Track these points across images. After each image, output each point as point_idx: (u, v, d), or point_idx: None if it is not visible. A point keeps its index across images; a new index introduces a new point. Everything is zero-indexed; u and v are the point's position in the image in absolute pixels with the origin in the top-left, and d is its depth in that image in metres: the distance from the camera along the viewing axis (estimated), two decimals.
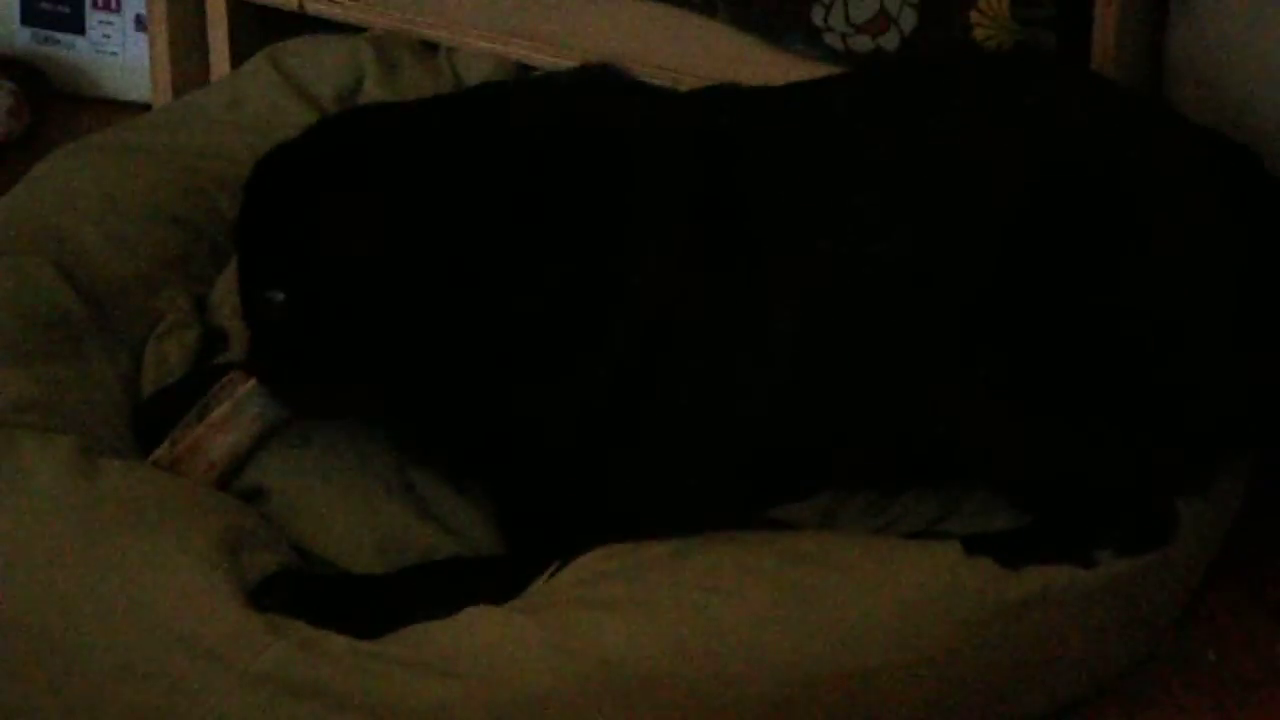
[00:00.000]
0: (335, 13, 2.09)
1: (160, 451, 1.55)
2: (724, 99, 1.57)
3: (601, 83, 1.57)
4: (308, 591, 1.46)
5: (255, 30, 2.14)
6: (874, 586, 1.45)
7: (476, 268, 1.45)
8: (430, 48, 2.04)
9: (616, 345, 1.45)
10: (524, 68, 2.02)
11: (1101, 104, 1.57)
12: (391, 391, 1.49)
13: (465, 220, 1.46)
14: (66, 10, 2.35)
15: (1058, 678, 1.50)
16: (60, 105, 2.33)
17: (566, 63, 1.97)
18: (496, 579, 1.48)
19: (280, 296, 1.48)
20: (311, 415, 1.56)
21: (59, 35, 2.36)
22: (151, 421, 1.60)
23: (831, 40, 1.93)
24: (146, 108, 2.25)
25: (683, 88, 1.74)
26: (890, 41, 1.91)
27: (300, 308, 1.48)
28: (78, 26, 2.36)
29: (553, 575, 1.47)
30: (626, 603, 1.42)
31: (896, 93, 1.57)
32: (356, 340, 1.47)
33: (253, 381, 1.55)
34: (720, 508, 1.50)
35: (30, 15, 2.37)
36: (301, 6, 2.10)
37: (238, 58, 2.12)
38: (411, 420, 1.51)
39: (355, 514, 1.53)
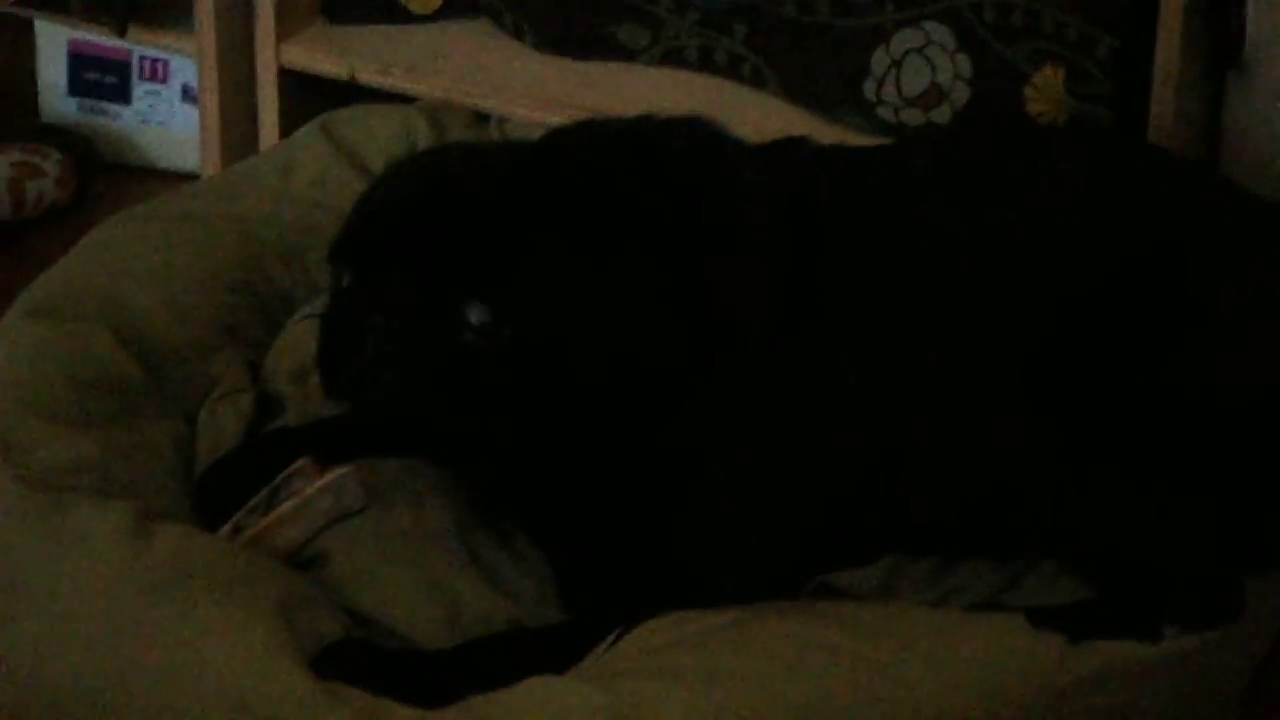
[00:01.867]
0: (386, 82, 2.09)
1: (222, 535, 1.55)
2: (810, 161, 1.57)
3: (697, 139, 1.56)
4: (369, 661, 1.45)
5: (305, 100, 2.15)
6: (939, 661, 1.43)
7: (659, 318, 1.44)
8: (481, 117, 2.05)
9: (700, 408, 1.44)
10: None
11: (1170, 178, 1.57)
12: (525, 434, 1.45)
13: (663, 272, 1.44)
14: (114, 80, 2.36)
15: None
16: (107, 175, 2.34)
17: None
18: (557, 648, 1.47)
19: (478, 315, 1.42)
20: (435, 453, 1.53)
21: (106, 105, 2.37)
22: (210, 491, 1.60)
23: (884, 113, 1.94)
24: (193, 177, 2.26)
25: None
26: (942, 115, 1.91)
27: (502, 329, 1.42)
28: (124, 97, 2.37)
29: (614, 644, 1.46)
30: (689, 672, 1.40)
31: (969, 161, 1.57)
32: (543, 375, 1.42)
33: (329, 476, 1.55)
34: (785, 574, 1.50)
35: (77, 86, 2.38)
36: (353, 76, 2.10)
37: (287, 128, 2.12)
38: (497, 474, 1.50)
39: (414, 581, 1.52)
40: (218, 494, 1.58)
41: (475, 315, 1.42)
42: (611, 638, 1.46)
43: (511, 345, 1.42)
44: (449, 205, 1.44)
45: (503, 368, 1.42)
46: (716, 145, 1.55)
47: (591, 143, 1.51)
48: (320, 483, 1.54)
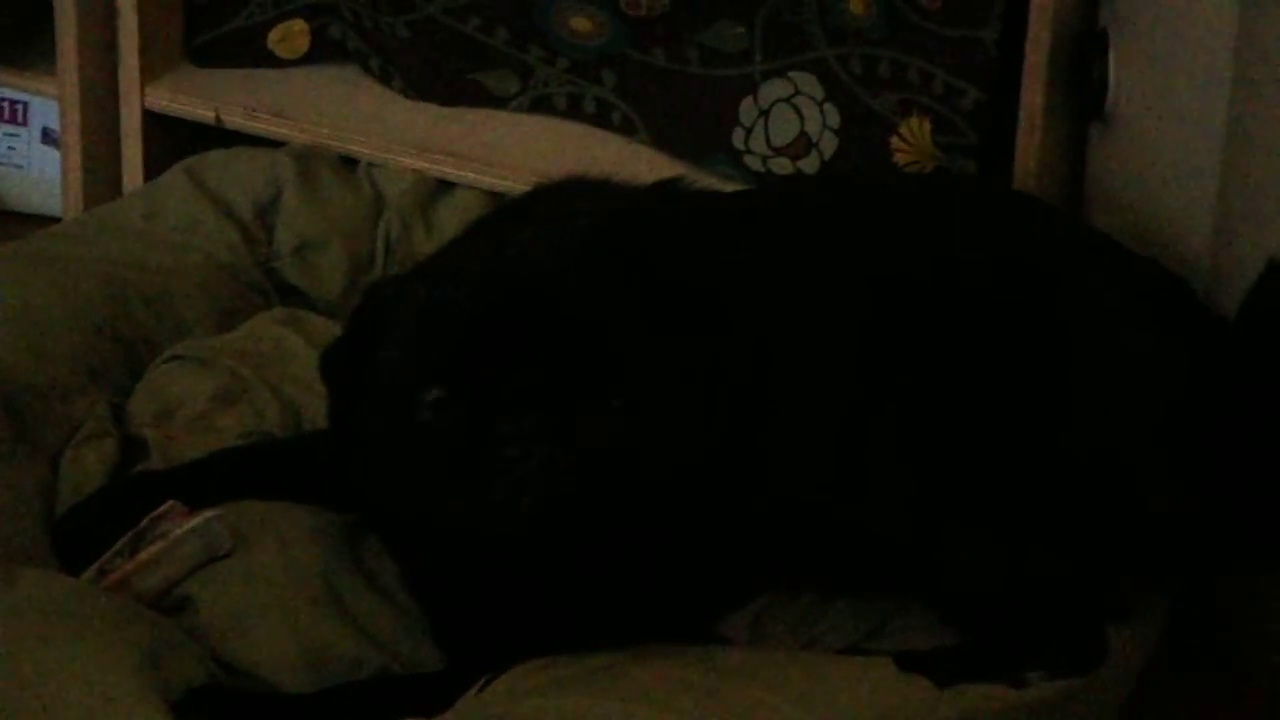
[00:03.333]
0: (252, 126, 2.08)
1: (86, 578, 1.52)
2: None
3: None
4: (233, 707, 1.43)
5: (169, 143, 2.13)
6: (807, 702, 1.43)
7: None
8: (349, 162, 2.04)
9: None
10: (444, 184, 2.01)
11: (1041, 225, 1.59)
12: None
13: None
14: None
15: None
16: None
17: (487, 180, 1.99)
18: (426, 693, 1.46)
19: (619, 405, 1.39)
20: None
21: None
22: (72, 534, 1.58)
23: (752, 162, 1.95)
24: (53, 220, 2.23)
25: None
26: (811, 165, 1.93)
27: (643, 423, 1.39)
28: None
29: (482, 689, 1.45)
30: (561, 717, 1.40)
31: (838, 203, 1.59)
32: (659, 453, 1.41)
33: (196, 519, 1.53)
34: (672, 620, 1.49)
35: None
36: (219, 120, 2.09)
37: (152, 171, 2.11)
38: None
39: (280, 626, 1.51)
40: (81, 537, 1.56)
41: (617, 401, 1.39)
42: (481, 683, 1.45)
43: (647, 421, 1.40)
44: (551, 303, 1.40)
45: (640, 444, 1.40)
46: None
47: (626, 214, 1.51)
48: (187, 525, 1.52)
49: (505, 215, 1.59)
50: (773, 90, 1.93)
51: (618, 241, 1.46)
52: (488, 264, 1.44)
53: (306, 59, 2.15)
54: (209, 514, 1.54)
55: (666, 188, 1.59)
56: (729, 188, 1.89)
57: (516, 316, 1.39)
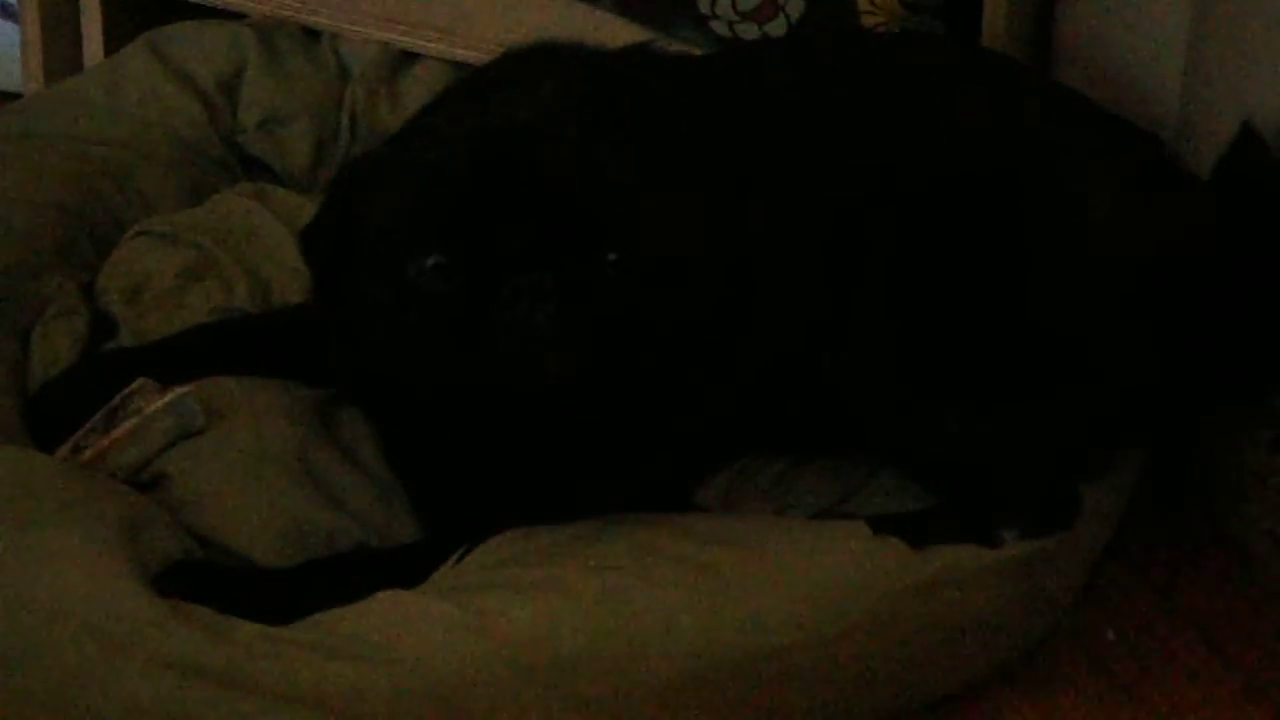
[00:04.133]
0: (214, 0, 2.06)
1: (60, 455, 1.52)
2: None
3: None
4: (211, 581, 1.43)
5: (129, 17, 2.11)
6: (783, 567, 1.44)
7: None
8: (313, 34, 2.02)
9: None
10: (408, 56, 2.00)
11: (1015, 84, 1.58)
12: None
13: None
14: None
15: (964, 657, 1.51)
16: None
17: (452, 50, 1.98)
18: (403, 565, 1.46)
19: (613, 258, 1.38)
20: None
21: None
22: (44, 412, 1.57)
23: (718, 28, 1.94)
24: (14, 97, 2.20)
25: None
26: (778, 29, 1.92)
27: (636, 263, 1.39)
28: None
29: (459, 560, 1.46)
30: (537, 585, 1.40)
31: (814, 60, 1.58)
32: (664, 298, 1.41)
33: (170, 396, 1.52)
34: (654, 486, 1.50)
35: None
36: None
37: (112, 45, 2.09)
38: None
39: (255, 501, 1.51)
40: (54, 414, 1.56)
41: (614, 255, 1.38)
42: (458, 554, 1.46)
43: (642, 276, 1.39)
44: (545, 161, 1.39)
45: (637, 299, 1.39)
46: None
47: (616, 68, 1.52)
48: (160, 402, 1.52)
49: (480, 81, 1.58)
50: None
51: (599, 100, 1.45)
52: (473, 126, 1.42)
53: None
54: (181, 390, 1.54)
55: (639, 51, 1.58)
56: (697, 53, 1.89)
57: (509, 176, 1.38)
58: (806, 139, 1.52)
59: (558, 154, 1.39)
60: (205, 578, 1.44)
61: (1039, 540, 1.51)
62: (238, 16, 2.04)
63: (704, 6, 1.94)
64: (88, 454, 1.51)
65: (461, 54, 1.97)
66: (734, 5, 1.93)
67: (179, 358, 1.61)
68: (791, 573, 1.44)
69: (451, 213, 1.38)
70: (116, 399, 1.54)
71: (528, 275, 1.37)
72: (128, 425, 1.52)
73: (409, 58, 2.00)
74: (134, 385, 1.55)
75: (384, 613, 1.39)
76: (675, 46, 1.88)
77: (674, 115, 1.49)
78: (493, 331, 1.37)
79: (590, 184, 1.39)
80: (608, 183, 1.39)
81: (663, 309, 1.41)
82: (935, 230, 1.50)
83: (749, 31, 1.92)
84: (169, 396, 1.53)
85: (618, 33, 1.95)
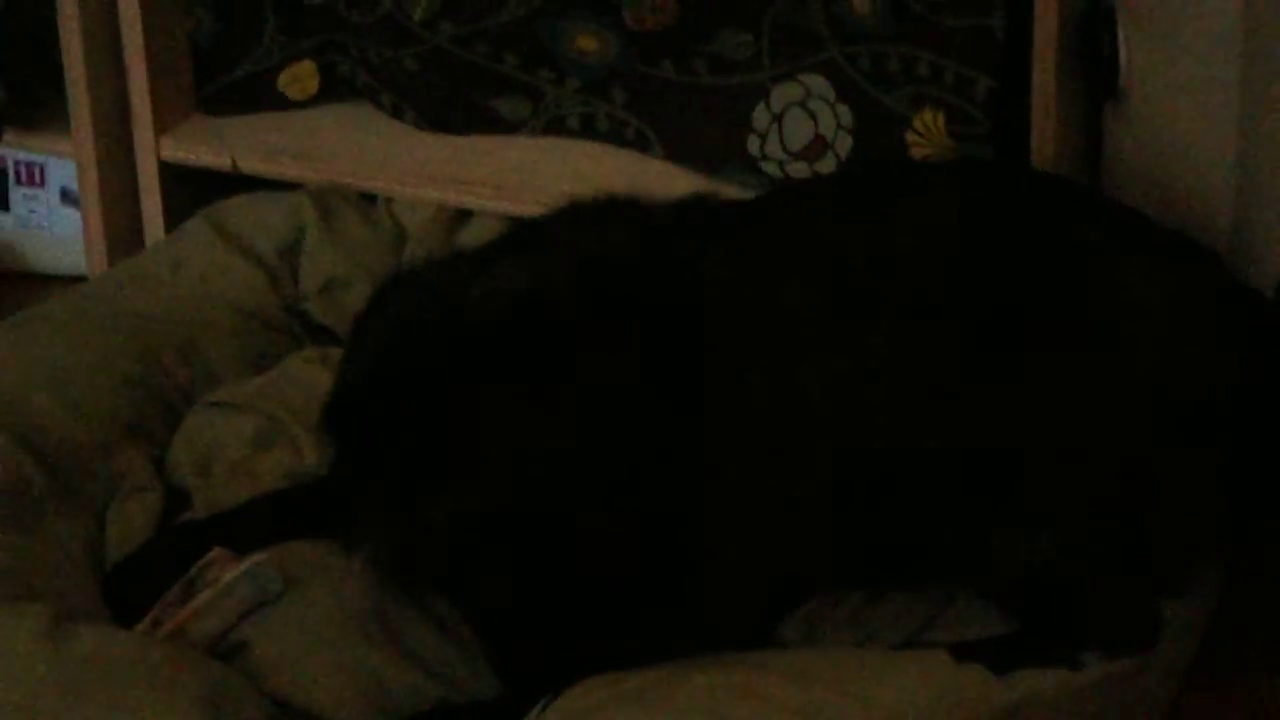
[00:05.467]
0: (269, 170, 2.09)
1: (140, 630, 1.53)
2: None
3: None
4: None
5: (187, 193, 2.14)
6: (869, 701, 1.43)
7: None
8: (368, 198, 2.05)
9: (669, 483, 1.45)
10: (463, 213, 2.02)
11: (1071, 205, 1.59)
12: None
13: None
14: None
15: None
16: None
17: (505, 206, 1.99)
18: None
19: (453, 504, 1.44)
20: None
21: None
22: (123, 588, 1.58)
23: (769, 168, 1.95)
24: (77, 279, 2.23)
25: None
26: (828, 166, 1.93)
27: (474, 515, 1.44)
28: (2, 203, 2.35)
29: (543, 710, 1.45)
30: None
31: (865, 196, 1.59)
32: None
33: (245, 564, 1.54)
34: (730, 628, 1.50)
35: None
36: (235, 166, 2.10)
37: (171, 222, 2.11)
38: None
39: (336, 663, 1.51)
40: (132, 589, 1.57)
41: (452, 504, 1.43)
42: (541, 705, 1.46)
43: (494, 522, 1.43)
44: (411, 389, 1.45)
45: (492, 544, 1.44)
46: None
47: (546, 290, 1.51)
48: (236, 571, 1.53)
49: (510, 240, 1.60)
50: (784, 95, 1.93)
51: (566, 300, 1.47)
52: (392, 326, 1.51)
53: (317, 99, 2.16)
54: (257, 558, 1.55)
55: (688, 205, 1.59)
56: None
57: (388, 398, 1.46)
58: (866, 254, 1.53)
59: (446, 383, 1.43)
60: None
61: (1122, 660, 1.50)
62: (293, 186, 2.06)
63: (754, 148, 1.95)
64: (167, 627, 1.52)
65: (515, 209, 1.98)
66: (783, 145, 1.94)
67: (252, 525, 1.62)
68: (875, 705, 1.43)
69: (330, 415, 1.50)
70: (193, 570, 1.55)
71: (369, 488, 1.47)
72: (205, 596, 1.53)
73: (464, 215, 2.02)
74: (209, 556, 1.56)
75: None
76: (728, 191, 1.90)
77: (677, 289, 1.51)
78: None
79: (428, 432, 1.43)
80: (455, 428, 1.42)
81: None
82: (1003, 342, 1.50)
83: (800, 170, 1.94)
84: (244, 565, 1.54)
85: (671, 180, 1.97)
